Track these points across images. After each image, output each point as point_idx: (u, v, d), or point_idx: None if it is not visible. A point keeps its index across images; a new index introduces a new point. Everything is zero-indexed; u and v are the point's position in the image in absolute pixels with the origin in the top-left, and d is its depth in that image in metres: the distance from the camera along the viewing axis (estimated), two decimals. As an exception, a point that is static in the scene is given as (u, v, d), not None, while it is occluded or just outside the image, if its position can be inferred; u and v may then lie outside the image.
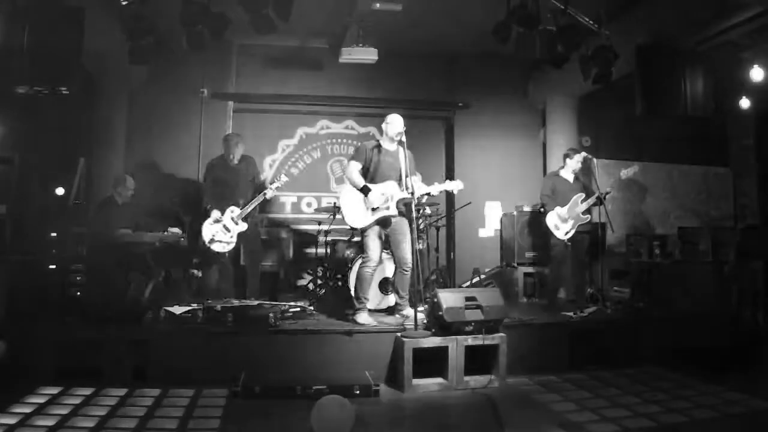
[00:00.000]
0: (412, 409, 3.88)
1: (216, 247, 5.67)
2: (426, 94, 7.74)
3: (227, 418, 3.52)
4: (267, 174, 7.53)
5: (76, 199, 5.91)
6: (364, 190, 4.80)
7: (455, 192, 5.07)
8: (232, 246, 5.63)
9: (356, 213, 4.85)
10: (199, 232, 5.67)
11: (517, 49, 5.19)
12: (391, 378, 4.38)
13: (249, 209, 5.61)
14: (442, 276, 6.89)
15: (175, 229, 5.74)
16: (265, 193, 5.64)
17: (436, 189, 5.03)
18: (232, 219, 5.57)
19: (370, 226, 4.86)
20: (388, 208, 4.83)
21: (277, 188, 5.77)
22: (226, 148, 5.78)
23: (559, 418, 3.63)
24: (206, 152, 6.51)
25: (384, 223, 4.91)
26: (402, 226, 4.92)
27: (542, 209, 6.10)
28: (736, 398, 4.00)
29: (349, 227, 6.26)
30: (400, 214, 4.89)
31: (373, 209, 4.82)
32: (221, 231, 5.59)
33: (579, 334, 4.90)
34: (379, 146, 4.99)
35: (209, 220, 5.66)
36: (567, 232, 5.81)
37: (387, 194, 4.81)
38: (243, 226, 5.60)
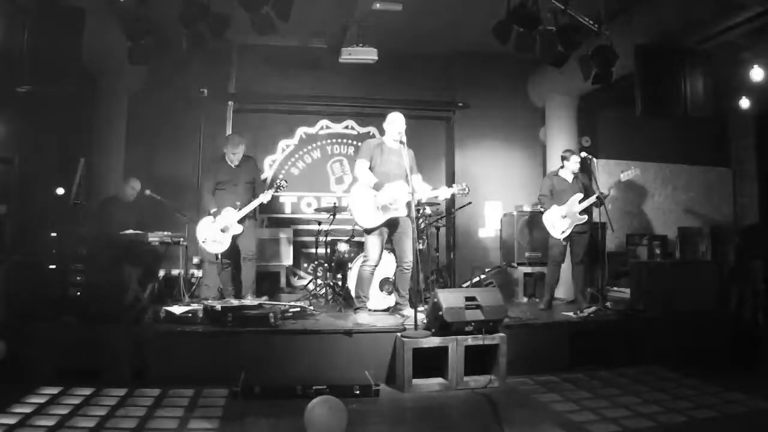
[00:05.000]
0: (412, 409, 3.88)
1: (209, 248, 5.67)
2: (426, 94, 7.74)
3: (227, 418, 3.52)
4: (267, 174, 7.53)
5: (76, 199, 5.91)
6: (378, 187, 4.79)
7: (464, 195, 5.07)
8: (226, 247, 5.62)
9: (366, 212, 4.84)
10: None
11: (517, 49, 5.19)
12: (391, 378, 4.38)
13: (245, 212, 5.60)
14: (442, 276, 6.89)
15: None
16: (261, 198, 5.63)
17: (444, 193, 5.05)
18: (228, 221, 5.56)
19: (377, 227, 4.86)
20: (397, 209, 4.83)
21: (275, 192, 5.76)
22: (227, 149, 5.76)
23: (559, 418, 3.63)
24: (206, 152, 6.52)
25: (392, 223, 4.91)
26: (405, 225, 4.93)
27: (541, 209, 6.11)
28: (736, 398, 4.00)
29: (350, 227, 6.32)
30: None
31: (384, 209, 4.82)
32: (216, 232, 5.58)
33: (579, 334, 4.90)
34: (382, 144, 5.00)
35: (205, 221, 5.65)
36: (563, 231, 5.82)
37: (397, 194, 4.81)
38: (238, 228, 5.59)
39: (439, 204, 6.93)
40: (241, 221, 5.60)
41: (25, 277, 4.87)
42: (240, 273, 5.86)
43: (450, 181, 7.75)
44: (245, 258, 5.71)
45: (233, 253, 5.77)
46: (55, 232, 5.46)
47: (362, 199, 4.87)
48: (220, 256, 5.80)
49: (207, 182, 5.78)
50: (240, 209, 5.59)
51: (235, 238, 5.62)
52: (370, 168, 4.93)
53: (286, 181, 5.86)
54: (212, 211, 5.60)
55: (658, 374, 4.66)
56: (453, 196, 5.20)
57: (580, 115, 7.58)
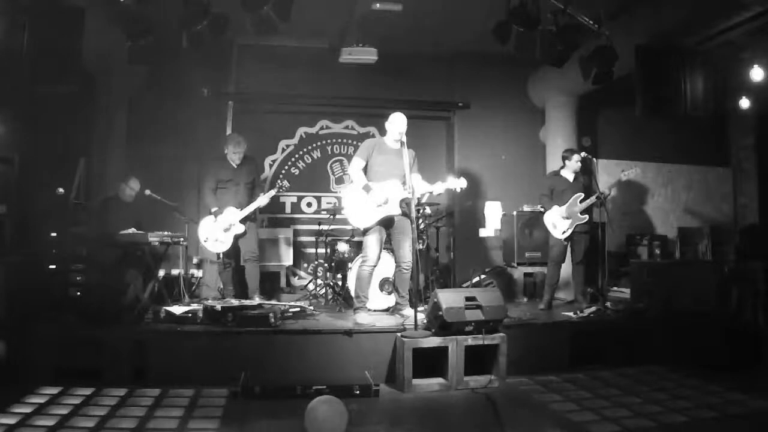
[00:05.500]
0: (412, 409, 3.88)
1: (210, 247, 5.68)
2: (426, 94, 7.73)
3: (227, 418, 3.53)
4: (267, 174, 7.53)
5: (76, 199, 5.91)
6: (366, 189, 4.81)
7: (458, 190, 5.06)
8: (227, 247, 5.63)
9: (359, 212, 4.85)
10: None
11: (517, 49, 5.19)
12: (391, 378, 4.38)
13: (247, 213, 5.60)
14: (442, 276, 6.89)
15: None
16: (262, 199, 5.64)
17: (439, 188, 5.04)
18: (230, 221, 5.56)
19: (372, 226, 4.87)
20: (389, 207, 4.84)
21: (277, 192, 5.75)
22: (228, 149, 5.75)
23: (559, 418, 3.63)
24: (206, 152, 6.50)
25: (386, 222, 4.92)
26: (403, 225, 4.93)
27: (541, 208, 6.10)
28: (736, 398, 4.00)
29: (350, 227, 6.32)
30: (402, 213, 4.90)
31: (377, 208, 4.82)
32: (218, 231, 5.59)
33: (579, 334, 4.90)
34: (382, 144, 5.00)
35: (207, 220, 5.66)
36: (564, 231, 5.82)
37: (389, 193, 4.82)
38: (240, 228, 5.59)
39: (439, 204, 6.92)
40: (243, 221, 5.61)
41: (25, 277, 4.87)
42: (240, 273, 5.87)
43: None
44: (247, 259, 5.71)
45: (234, 252, 5.78)
46: (55, 232, 5.46)
47: (355, 199, 4.88)
48: (221, 255, 5.81)
49: (208, 181, 5.77)
50: (241, 210, 5.60)
51: (236, 237, 5.63)
52: (367, 167, 4.94)
53: (288, 182, 5.86)
54: (214, 211, 5.61)
55: (658, 374, 4.66)
56: (451, 191, 5.19)
57: (580, 115, 7.58)
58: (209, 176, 5.79)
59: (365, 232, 4.93)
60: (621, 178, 5.83)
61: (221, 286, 6.05)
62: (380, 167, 4.91)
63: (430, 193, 5.18)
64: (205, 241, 5.66)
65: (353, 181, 4.95)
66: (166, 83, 6.88)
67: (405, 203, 4.83)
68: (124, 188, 5.94)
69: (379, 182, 4.86)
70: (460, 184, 4.95)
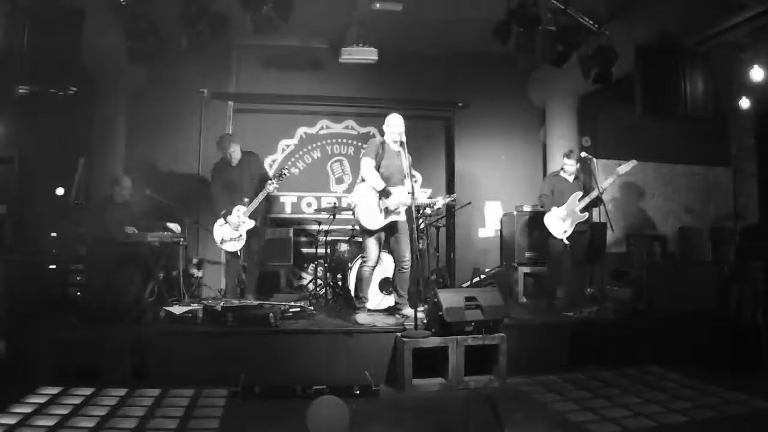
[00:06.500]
0: (412, 409, 3.88)
1: (227, 247, 5.69)
2: (426, 94, 7.73)
3: (227, 418, 3.53)
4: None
5: (76, 199, 5.92)
6: (385, 193, 4.77)
7: (451, 203, 5.14)
8: (242, 244, 5.66)
9: (371, 214, 4.81)
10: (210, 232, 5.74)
11: (517, 49, 5.19)
12: (391, 378, 4.38)
13: (254, 206, 5.62)
14: (442, 276, 6.89)
15: (174, 225, 5.75)
16: (267, 189, 5.64)
17: (439, 203, 5.14)
18: (239, 218, 5.59)
19: (379, 229, 4.85)
20: (399, 213, 4.84)
21: (279, 181, 5.74)
22: (223, 151, 5.77)
23: (559, 418, 3.64)
24: (206, 152, 6.50)
25: (392, 225, 4.91)
26: (402, 226, 4.93)
27: (541, 208, 6.10)
28: (736, 398, 4.00)
29: (350, 227, 6.33)
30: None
31: (386, 212, 4.80)
32: (231, 231, 5.61)
33: (579, 334, 4.90)
34: (385, 145, 4.99)
35: (219, 222, 5.68)
36: (565, 231, 5.82)
37: (403, 199, 4.80)
38: (250, 224, 5.62)
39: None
40: (252, 216, 5.61)
41: (25, 277, 4.88)
42: (244, 271, 5.89)
43: (450, 181, 7.77)
44: (254, 256, 5.75)
45: (245, 250, 5.79)
46: (55, 232, 5.47)
47: (367, 200, 4.84)
48: (240, 253, 5.81)
49: (214, 185, 5.79)
50: (248, 204, 5.61)
51: (249, 233, 5.64)
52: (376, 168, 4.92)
53: (288, 171, 5.88)
54: (222, 213, 5.63)
55: (658, 374, 4.66)
56: (445, 204, 5.28)
57: (580, 115, 7.58)
58: (214, 180, 5.82)
59: (369, 233, 4.90)
60: (619, 172, 5.79)
61: (222, 287, 6.05)
62: (384, 170, 4.89)
63: (432, 206, 5.22)
64: (221, 243, 5.68)
65: (367, 180, 4.84)
66: (166, 83, 6.87)
67: (408, 208, 4.85)
68: (116, 189, 5.90)
69: (387, 183, 4.84)
70: (453, 201, 5.21)
